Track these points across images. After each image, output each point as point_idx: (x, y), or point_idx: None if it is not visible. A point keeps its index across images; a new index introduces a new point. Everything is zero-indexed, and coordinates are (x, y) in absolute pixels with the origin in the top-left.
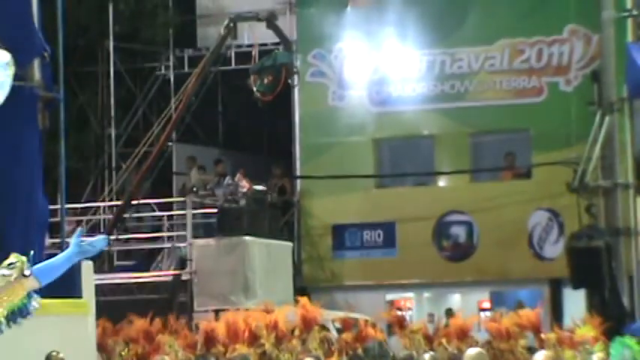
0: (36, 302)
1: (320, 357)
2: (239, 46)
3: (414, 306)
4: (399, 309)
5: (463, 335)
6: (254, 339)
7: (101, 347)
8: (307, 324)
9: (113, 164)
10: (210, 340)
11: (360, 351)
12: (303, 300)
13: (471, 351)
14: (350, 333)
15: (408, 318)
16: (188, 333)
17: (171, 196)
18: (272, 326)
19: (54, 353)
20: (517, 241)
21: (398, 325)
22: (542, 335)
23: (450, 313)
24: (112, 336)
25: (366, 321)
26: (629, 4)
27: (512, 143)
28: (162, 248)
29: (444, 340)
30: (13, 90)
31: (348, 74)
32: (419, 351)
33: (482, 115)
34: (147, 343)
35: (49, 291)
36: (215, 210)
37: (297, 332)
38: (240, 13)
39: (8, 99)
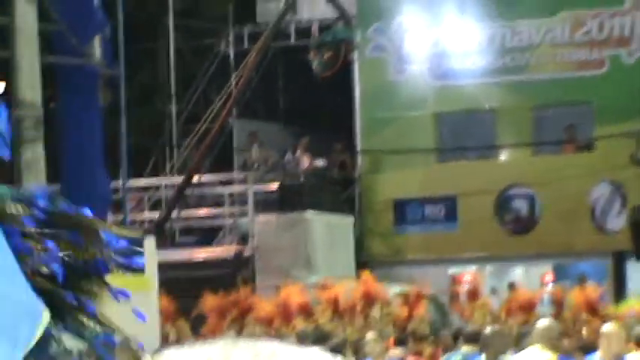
0: None
1: (383, 332)
2: (299, 22)
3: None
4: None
5: (530, 309)
6: (308, 314)
7: (172, 323)
8: (369, 299)
9: (174, 141)
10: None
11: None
12: (365, 275)
13: (542, 323)
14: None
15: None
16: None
17: (232, 172)
18: (330, 302)
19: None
20: (579, 214)
21: (471, 296)
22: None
23: (512, 286)
24: (181, 314)
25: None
26: None
27: (573, 116)
28: (224, 224)
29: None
30: (74, 68)
31: (408, 48)
32: (484, 325)
33: (544, 88)
34: (220, 319)
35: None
36: (276, 186)
37: (359, 308)
38: None
39: (69, 77)
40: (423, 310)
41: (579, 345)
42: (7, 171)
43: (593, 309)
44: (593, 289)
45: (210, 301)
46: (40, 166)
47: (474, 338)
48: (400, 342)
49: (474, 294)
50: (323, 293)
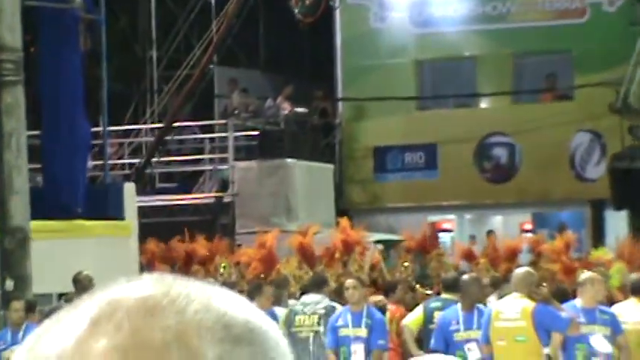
0: None
1: (362, 279)
2: None
3: (455, 227)
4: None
5: (512, 257)
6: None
7: (152, 268)
8: (347, 247)
9: (155, 87)
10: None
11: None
12: (344, 222)
13: (520, 270)
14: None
15: (449, 239)
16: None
17: (212, 119)
18: (301, 249)
19: (83, 273)
20: (559, 163)
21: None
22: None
23: (491, 234)
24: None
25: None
26: None
27: (553, 65)
28: (204, 170)
29: (482, 261)
30: (55, 12)
31: None
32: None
33: (524, 36)
34: (199, 264)
35: (93, 212)
36: (257, 132)
37: (337, 255)
38: None
39: (50, 21)
40: (406, 258)
41: (555, 292)
42: None
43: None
44: (571, 237)
45: (185, 248)
46: (20, 110)
47: (453, 285)
48: (383, 290)
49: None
50: (296, 240)
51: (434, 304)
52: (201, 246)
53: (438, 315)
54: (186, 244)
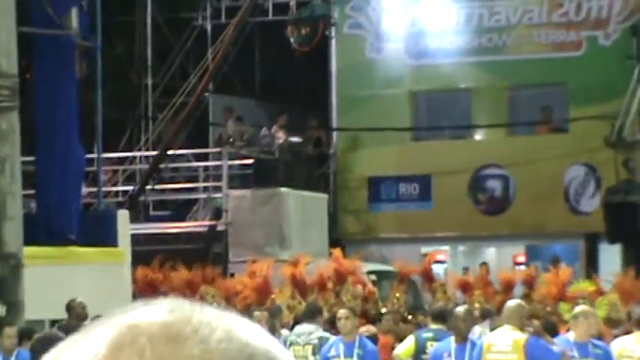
0: None
1: (355, 309)
2: None
3: (448, 259)
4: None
5: (508, 289)
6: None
7: (142, 296)
8: (340, 276)
9: (150, 114)
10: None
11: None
12: (336, 252)
13: (512, 303)
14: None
15: (442, 271)
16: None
17: (207, 147)
18: (293, 279)
19: (77, 300)
20: (553, 196)
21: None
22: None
23: (484, 266)
24: (152, 285)
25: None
26: None
27: (549, 97)
28: (198, 199)
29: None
30: (51, 38)
31: (385, 26)
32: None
33: (520, 68)
34: (190, 293)
35: (86, 239)
36: (251, 161)
37: (330, 285)
38: None
39: (46, 48)
40: (398, 289)
41: (545, 326)
42: None
43: (563, 291)
44: (565, 271)
45: (178, 276)
46: (15, 136)
47: (441, 315)
48: (373, 320)
49: (428, 277)
50: (288, 270)
51: (425, 334)
52: (192, 274)
53: (430, 345)
54: (177, 273)
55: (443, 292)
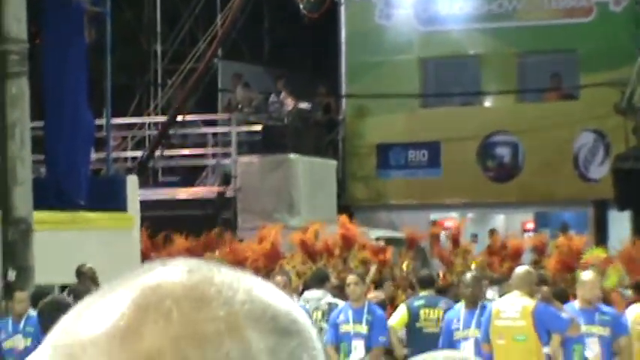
0: None
1: (363, 275)
2: None
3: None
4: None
5: (516, 256)
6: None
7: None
8: (347, 243)
9: (159, 80)
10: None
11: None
12: (343, 219)
13: (521, 269)
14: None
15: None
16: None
17: (216, 113)
18: (302, 245)
19: (87, 265)
20: (562, 163)
21: (453, 242)
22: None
23: (493, 233)
24: (155, 252)
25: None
26: None
27: (559, 64)
28: (207, 165)
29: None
30: (61, 4)
31: None
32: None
33: (530, 35)
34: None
35: (96, 205)
36: (260, 127)
37: (337, 251)
38: None
39: (55, 13)
40: (406, 256)
41: (556, 293)
42: None
43: (577, 258)
44: (578, 239)
45: (181, 243)
46: (24, 101)
47: (429, 281)
48: (378, 287)
49: (455, 241)
50: (298, 236)
51: (417, 302)
52: (201, 240)
53: (423, 312)
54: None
55: (464, 259)
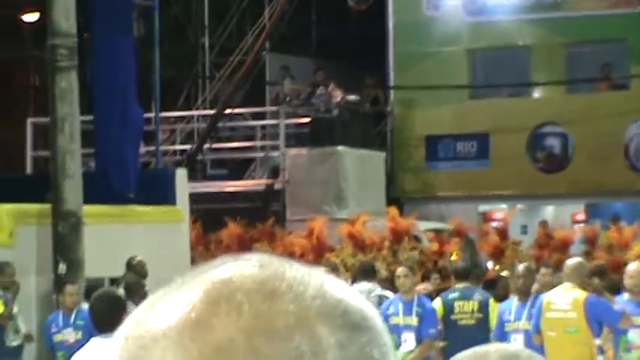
0: None
1: (413, 267)
2: None
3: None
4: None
5: (564, 247)
6: (329, 249)
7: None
8: (397, 235)
9: (207, 73)
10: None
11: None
12: (392, 211)
13: (572, 261)
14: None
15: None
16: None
17: (264, 106)
18: (352, 237)
19: (137, 258)
20: (613, 153)
21: (501, 235)
22: None
23: (543, 225)
24: (204, 245)
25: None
26: None
27: (608, 54)
28: (255, 157)
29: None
30: None
31: None
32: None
33: (579, 25)
34: (240, 250)
35: (145, 198)
36: (308, 120)
37: (387, 244)
38: None
39: (104, 7)
40: (455, 247)
41: (608, 285)
42: (42, 100)
43: (627, 249)
44: (628, 230)
45: (232, 230)
46: (73, 95)
47: (465, 273)
48: (427, 278)
49: (503, 233)
50: (346, 228)
51: (452, 294)
52: (249, 231)
53: (457, 305)
54: (235, 227)
55: (513, 250)
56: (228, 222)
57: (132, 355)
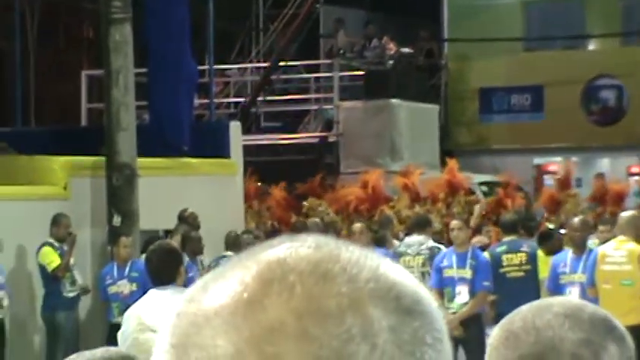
0: None
1: (467, 220)
2: None
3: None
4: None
5: (619, 200)
6: (385, 200)
7: (250, 206)
8: (453, 188)
9: (260, 26)
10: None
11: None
12: (451, 163)
13: (627, 214)
14: (493, 197)
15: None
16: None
17: (318, 59)
18: (408, 189)
19: (189, 210)
20: None
21: (562, 186)
22: None
23: (600, 177)
24: (258, 198)
25: (508, 185)
26: None
27: None
28: (309, 110)
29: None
30: None
31: None
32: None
33: None
34: (298, 205)
35: (199, 151)
36: (362, 72)
37: (442, 196)
38: None
39: None
40: (512, 199)
41: None
42: (96, 52)
43: None
44: None
45: (276, 195)
46: (128, 47)
47: (513, 225)
48: (479, 231)
49: (564, 183)
50: (401, 180)
51: (499, 248)
52: (300, 188)
53: (505, 258)
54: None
55: (573, 203)
56: (281, 175)
57: (184, 332)
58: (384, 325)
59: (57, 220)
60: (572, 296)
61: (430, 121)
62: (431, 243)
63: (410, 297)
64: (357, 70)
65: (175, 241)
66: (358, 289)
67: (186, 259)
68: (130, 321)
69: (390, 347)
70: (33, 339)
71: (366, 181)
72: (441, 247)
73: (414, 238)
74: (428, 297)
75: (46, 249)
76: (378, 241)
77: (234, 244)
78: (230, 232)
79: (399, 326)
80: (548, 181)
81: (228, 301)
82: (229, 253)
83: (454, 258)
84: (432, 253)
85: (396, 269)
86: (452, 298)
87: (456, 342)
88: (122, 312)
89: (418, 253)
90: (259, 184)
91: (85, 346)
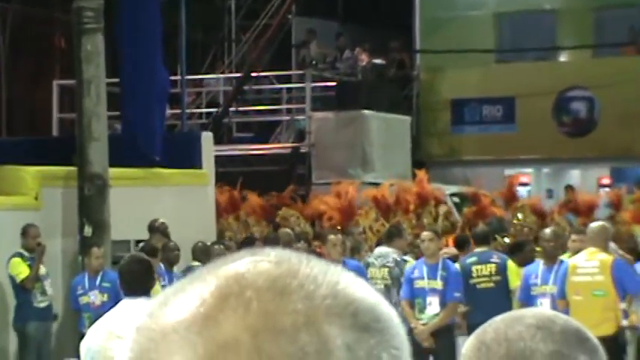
0: None
1: (438, 232)
2: None
3: (532, 181)
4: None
5: (589, 211)
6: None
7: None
8: (423, 199)
9: (233, 36)
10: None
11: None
12: (420, 174)
13: (596, 224)
14: (471, 208)
15: (525, 194)
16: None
17: (290, 69)
18: (375, 201)
19: (160, 220)
20: (639, 117)
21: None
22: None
23: (569, 189)
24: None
25: (485, 196)
26: None
27: (635, 18)
28: (281, 120)
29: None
30: None
31: None
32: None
33: None
34: (270, 215)
35: (171, 161)
36: (334, 83)
37: (412, 207)
38: None
39: None
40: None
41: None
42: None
43: None
44: None
45: (252, 201)
46: (99, 57)
47: (484, 238)
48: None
49: (509, 197)
50: (371, 192)
51: (470, 259)
52: (273, 198)
53: (475, 270)
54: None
55: (522, 213)
56: (253, 186)
57: (142, 348)
58: (339, 344)
59: (26, 231)
60: (544, 307)
61: (402, 132)
62: (396, 255)
63: (368, 313)
64: (329, 80)
65: (146, 252)
66: (315, 306)
67: (162, 268)
68: (98, 335)
69: None
70: (7, 349)
71: (339, 192)
72: (408, 258)
73: (382, 250)
74: (388, 313)
75: (16, 260)
76: (352, 252)
77: (203, 254)
78: (197, 242)
79: (355, 344)
80: (521, 192)
81: (186, 316)
82: (196, 263)
83: (425, 269)
84: (398, 266)
85: (358, 285)
86: (423, 309)
87: (427, 353)
88: (93, 322)
89: (384, 265)
90: (235, 191)
91: (57, 356)
